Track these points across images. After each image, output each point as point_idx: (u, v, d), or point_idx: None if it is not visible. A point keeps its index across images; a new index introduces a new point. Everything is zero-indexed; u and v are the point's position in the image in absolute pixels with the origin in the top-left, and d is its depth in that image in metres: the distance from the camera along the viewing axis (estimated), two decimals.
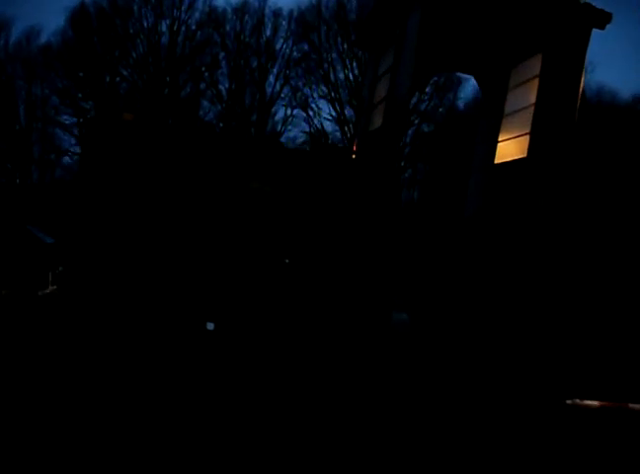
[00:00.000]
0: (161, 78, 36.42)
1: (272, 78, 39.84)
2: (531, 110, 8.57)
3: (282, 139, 40.99)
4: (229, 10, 38.22)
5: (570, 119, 8.00)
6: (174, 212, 7.85)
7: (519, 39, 8.76)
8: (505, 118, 9.37)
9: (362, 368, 7.82)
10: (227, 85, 38.88)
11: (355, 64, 40.82)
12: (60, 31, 35.53)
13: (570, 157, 7.80)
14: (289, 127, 41.46)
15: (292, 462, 5.43)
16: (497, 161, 9.36)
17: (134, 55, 36.43)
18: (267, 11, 38.98)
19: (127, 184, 7.65)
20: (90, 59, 34.73)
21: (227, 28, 38.30)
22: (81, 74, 34.51)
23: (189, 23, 37.47)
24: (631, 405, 7.73)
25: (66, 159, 36.60)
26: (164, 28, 36.86)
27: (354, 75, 40.99)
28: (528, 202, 8.35)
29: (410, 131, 42.61)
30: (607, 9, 8.22)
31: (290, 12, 39.13)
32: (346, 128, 41.85)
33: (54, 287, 23.48)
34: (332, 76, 40.69)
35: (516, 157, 8.73)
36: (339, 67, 40.53)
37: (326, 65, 40.48)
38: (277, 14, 39.11)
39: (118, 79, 36.16)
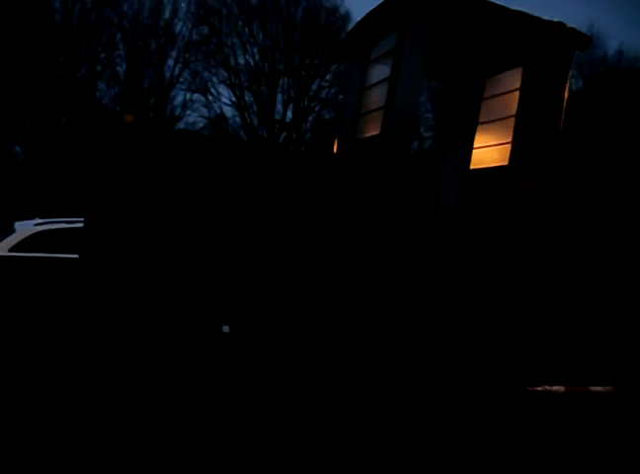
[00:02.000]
0: (55, 57, 34.59)
1: (170, 61, 38.92)
2: (512, 120, 9.12)
3: (181, 124, 40.30)
4: None
5: (554, 131, 8.63)
6: (177, 213, 7.77)
7: (499, 53, 9.27)
8: (480, 126, 9.88)
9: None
10: (125, 67, 37.60)
11: (255, 50, 40.68)
12: None
13: (554, 165, 8.46)
14: (189, 112, 40.79)
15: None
16: (473, 167, 9.87)
17: (25, 33, 34.33)
18: None
19: (132, 186, 7.45)
20: None
21: (125, 7, 36.95)
22: None
23: (84, 0, 35.78)
24: (591, 388, 8.45)
25: None
26: (57, 4, 35.04)
27: (254, 61, 40.86)
28: (512, 206, 8.92)
29: (310, 118, 43.22)
30: None
31: None
32: (246, 114, 41.70)
33: None
34: (232, 61, 40.33)
35: (496, 164, 9.28)
36: (239, 52, 40.24)
37: (226, 49, 40.05)
38: None
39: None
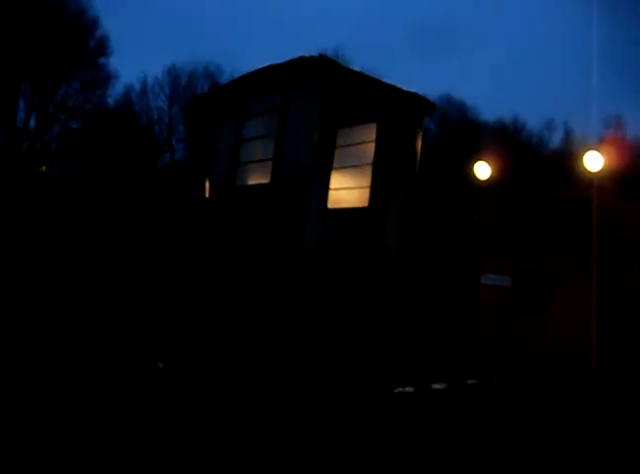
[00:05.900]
0: None
1: None
2: (369, 167, 10.61)
3: None
4: None
5: (411, 177, 10.31)
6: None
7: (354, 110, 10.73)
8: (335, 170, 11.22)
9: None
10: None
11: None
12: None
13: (413, 206, 10.06)
14: None
15: None
16: (331, 206, 11.20)
17: None
18: None
19: None
20: None
21: None
22: None
23: None
24: (434, 385, 10.22)
25: None
26: None
27: None
28: (373, 242, 10.41)
29: (56, 128, 40.98)
30: None
31: None
32: None
33: None
34: None
35: (356, 205, 10.69)
36: None
37: None
38: None
39: None
